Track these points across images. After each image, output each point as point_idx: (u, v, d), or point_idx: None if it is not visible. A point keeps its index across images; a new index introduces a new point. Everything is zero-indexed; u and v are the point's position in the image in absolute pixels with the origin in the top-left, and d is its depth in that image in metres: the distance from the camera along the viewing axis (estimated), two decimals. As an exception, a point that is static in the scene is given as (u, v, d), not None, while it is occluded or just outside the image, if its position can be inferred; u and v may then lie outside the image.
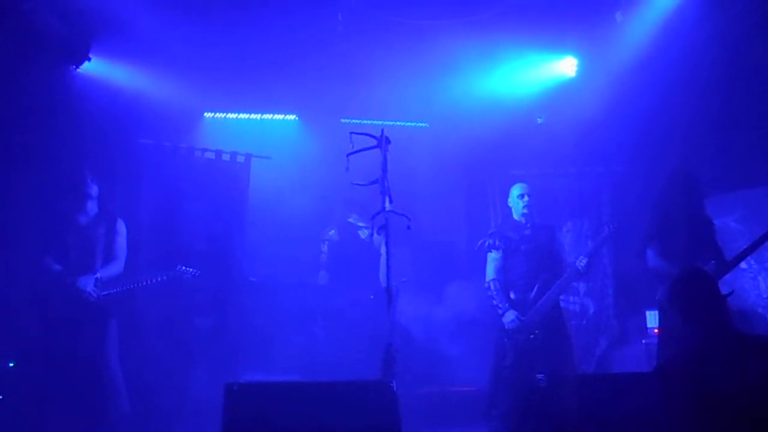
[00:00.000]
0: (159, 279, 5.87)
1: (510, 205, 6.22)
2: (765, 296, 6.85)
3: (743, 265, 6.16)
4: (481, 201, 8.23)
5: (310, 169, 7.81)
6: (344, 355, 6.44)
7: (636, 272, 6.77)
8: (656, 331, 5.90)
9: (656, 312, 5.81)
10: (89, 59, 6.46)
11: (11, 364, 5.44)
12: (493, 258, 6.03)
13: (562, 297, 6.27)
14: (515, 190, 6.17)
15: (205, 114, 8.01)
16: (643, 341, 7.18)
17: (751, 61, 6.55)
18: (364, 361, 5.49)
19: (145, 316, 6.43)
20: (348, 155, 4.85)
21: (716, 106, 6.79)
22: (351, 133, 4.90)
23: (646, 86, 6.99)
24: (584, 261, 5.88)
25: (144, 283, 5.83)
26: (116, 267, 5.81)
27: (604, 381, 4.46)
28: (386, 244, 4.76)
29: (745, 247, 5.35)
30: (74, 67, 6.46)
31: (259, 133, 7.97)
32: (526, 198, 6.09)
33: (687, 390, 3.36)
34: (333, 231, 7.33)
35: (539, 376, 4.22)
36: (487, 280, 5.98)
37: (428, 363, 6.97)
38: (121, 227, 5.90)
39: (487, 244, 6.07)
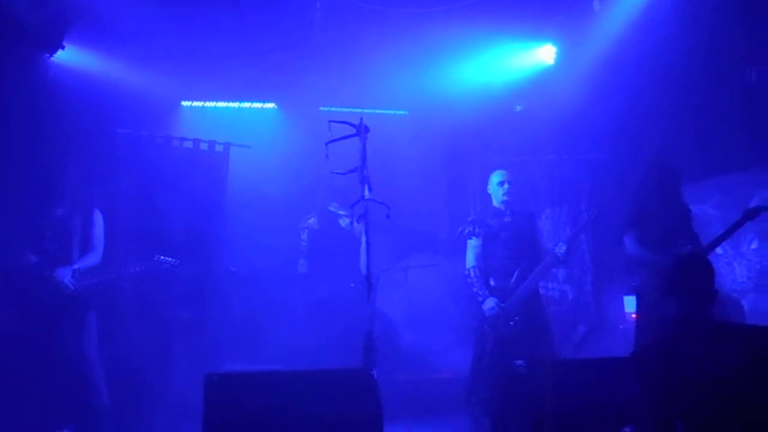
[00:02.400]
0: (137, 269, 5.82)
1: (490, 192, 6.23)
2: (740, 281, 6.96)
3: (719, 250, 6.24)
4: (462, 188, 8.27)
5: (290, 158, 7.79)
6: (325, 344, 6.42)
7: (614, 259, 6.84)
8: (633, 316, 5.97)
9: (634, 297, 5.87)
10: (63, 47, 6.39)
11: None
12: (472, 245, 6.04)
13: (541, 283, 6.30)
14: (495, 177, 6.19)
15: (183, 103, 7.95)
16: (621, 326, 7.26)
17: (728, 49, 6.62)
18: (345, 349, 5.48)
19: (124, 307, 6.39)
20: (327, 144, 4.82)
21: (694, 94, 6.85)
22: (330, 121, 4.86)
23: (624, 74, 7.03)
24: (563, 248, 5.92)
25: (122, 274, 5.78)
26: (93, 258, 5.77)
27: (582, 366, 4.51)
28: (366, 232, 4.76)
29: (720, 232, 5.43)
30: (48, 55, 6.38)
31: (237, 122, 7.93)
32: (506, 185, 6.10)
33: (663, 375, 3.41)
34: (313, 219, 7.32)
35: (519, 362, 4.26)
36: (467, 267, 5.99)
37: (409, 350, 7.00)
38: (98, 218, 5.85)
39: (466, 231, 6.07)
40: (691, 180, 6.38)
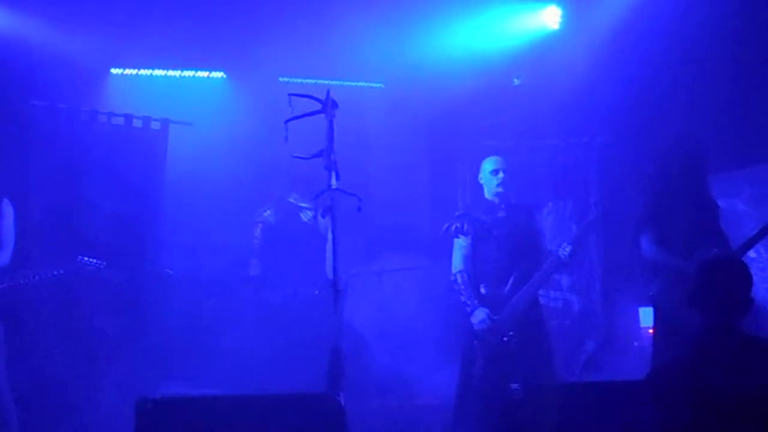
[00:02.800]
0: (55, 273, 5.77)
1: (481, 182, 6.23)
2: (776, 290, 7.04)
3: (752, 254, 6.29)
4: (448, 177, 8.27)
5: (241, 139, 7.76)
6: (281, 363, 6.42)
7: (628, 263, 6.87)
8: (650, 331, 6.00)
9: (651, 309, 5.90)
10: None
11: None
12: (460, 245, 6.05)
13: (541, 292, 6.31)
14: (488, 165, 6.19)
15: (112, 70, 7.89)
16: (636, 343, 7.30)
17: (764, 18, 6.67)
18: (306, 369, 5.48)
19: (39, 318, 6.33)
20: (287, 122, 4.81)
21: (722, 70, 6.90)
22: (290, 95, 4.85)
23: (641, 44, 7.07)
24: (568, 249, 5.93)
25: (37, 278, 5.72)
26: (1, 257, 5.70)
27: (589, 390, 4.52)
28: (333, 228, 4.74)
29: (754, 233, 5.47)
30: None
31: (178, 95, 7.89)
32: (500, 174, 6.10)
33: (684, 401, 3.43)
34: (269, 212, 7.28)
35: (514, 385, 4.25)
36: (454, 271, 5.99)
37: (383, 371, 7.00)
38: (7, 208, 5.78)
39: (453, 228, 6.07)
40: (718, 170, 6.41)
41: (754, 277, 3.72)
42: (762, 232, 5.41)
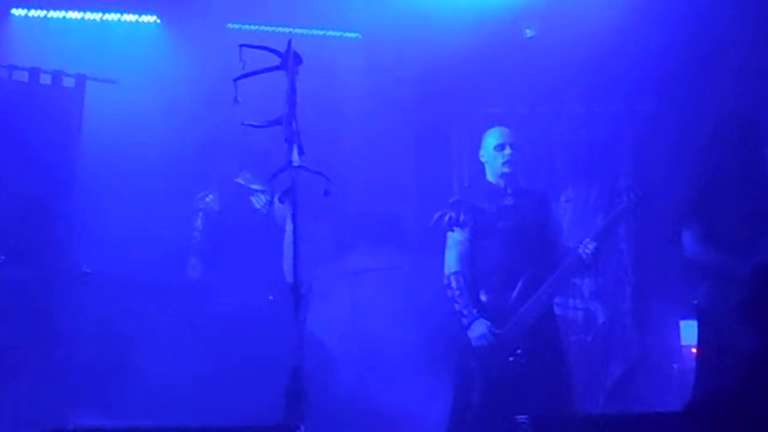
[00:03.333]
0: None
1: (483, 160, 6.25)
2: None
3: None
4: (440, 154, 8.26)
5: (179, 102, 7.71)
6: (228, 387, 6.45)
7: (667, 264, 6.88)
8: (694, 350, 6.02)
9: (695, 322, 5.92)
10: None
11: None
12: (455, 240, 6.06)
13: (557, 300, 6.33)
14: (491, 138, 6.20)
15: (13, 11, 7.83)
16: (675, 365, 7.33)
17: None
18: (258, 394, 5.49)
19: None
20: (237, 80, 4.81)
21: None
22: (242, 46, 4.85)
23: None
24: (591, 246, 5.96)
25: None
26: None
27: (616, 424, 4.53)
28: (293, 217, 4.73)
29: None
30: None
31: (98, 44, 7.85)
32: (507, 150, 6.12)
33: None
34: (211, 196, 7.27)
35: (521, 417, 4.26)
36: (447, 272, 6.02)
37: (355, 397, 7.00)
38: None
39: (446, 218, 6.09)
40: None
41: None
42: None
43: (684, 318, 7.19)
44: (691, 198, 5.77)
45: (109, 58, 7.69)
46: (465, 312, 5.87)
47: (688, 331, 7.01)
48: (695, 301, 5.75)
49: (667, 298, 7.34)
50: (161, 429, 4.77)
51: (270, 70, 4.91)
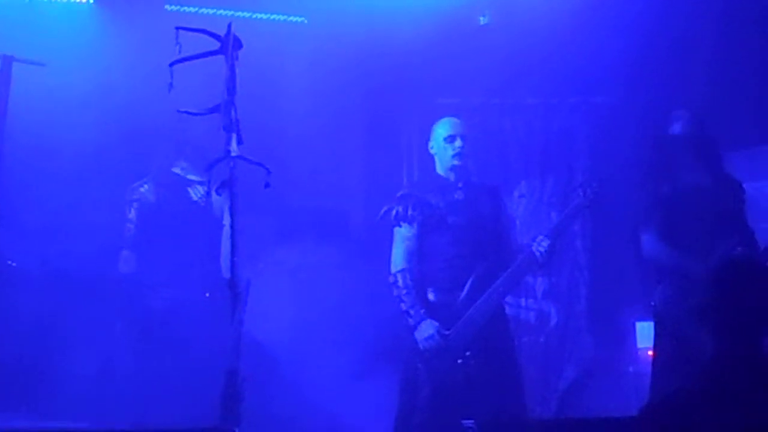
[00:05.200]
0: None
1: (432, 151, 6.25)
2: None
3: (784, 253, 6.41)
4: (388, 143, 8.27)
5: (112, 86, 7.65)
6: (161, 387, 6.39)
7: (623, 264, 6.93)
8: (650, 353, 6.07)
9: (651, 325, 5.96)
10: None
11: None
12: (403, 236, 6.06)
13: (509, 299, 6.35)
14: (441, 129, 6.20)
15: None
16: (630, 368, 7.39)
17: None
18: (192, 396, 5.50)
19: None
20: (172, 64, 4.76)
21: (756, 21, 7.00)
22: (178, 28, 4.79)
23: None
24: (545, 244, 5.96)
25: None
26: None
27: (570, 429, 4.56)
28: (231, 209, 4.69)
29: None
30: None
31: (27, 24, 7.75)
32: (458, 142, 6.12)
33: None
34: (146, 187, 7.20)
35: (468, 422, 4.26)
36: (393, 270, 6.01)
37: (295, 400, 6.98)
38: None
39: (394, 213, 6.09)
40: (742, 146, 6.51)
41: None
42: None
43: (640, 320, 7.25)
44: (648, 196, 5.81)
45: (38, 38, 7.59)
46: (412, 312, 5.86)
47: (644, 334, 7.07)
48: (652, 303, 5.80)
49: (623, 299, 7.41)
50: (91, 431, 4.74)
51: (208, 55, 4.87)
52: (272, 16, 8.21)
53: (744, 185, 5.91)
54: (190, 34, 4.84)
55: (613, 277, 7.61)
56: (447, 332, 5.82)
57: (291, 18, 8.34)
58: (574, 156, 8.05)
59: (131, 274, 7.13)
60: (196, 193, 7.10)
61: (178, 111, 4.86)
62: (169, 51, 4.77)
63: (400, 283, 5.95)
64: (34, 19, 7.85)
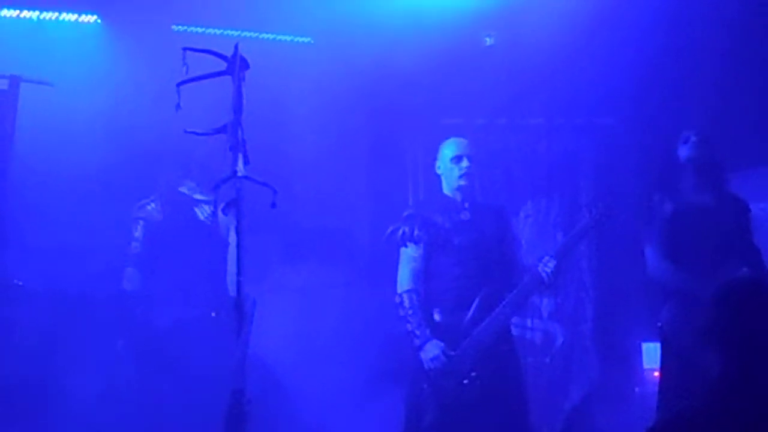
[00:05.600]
0: None
1: (439, 172, 6.25)
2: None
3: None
4: (394, 164, 8.27)
5: (119, 106, 7.66)
6: (165, 408, 6.36)
7: (629, 284, 6.92)
8: (656, 374, 6.06)
9: (658, 345, 5.95)
10: None
11: None
12: (409, 256, 6.06)
13: (514, 320, 6.35)
14: (448, 150, 6.20)
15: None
16: (636, 389, 7.38)
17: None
18: (197, 416, 5.47)
19: None
20: (179, 84, 4.76)
21: (758, 38, 7.01)
22: (185, 49, 4.81)
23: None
24: (551, 264, 5.96)
25: None
26: None
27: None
28: (237, 229, 4.70)
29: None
30: None
31: (34, 44, 7.76)
32: (464, 162, 6.13)
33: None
34: (153, 205, 7.19)
35: (475, 443, 4.26)
36: (399, 290, 6.00)
37: (302, 423, 6.97)
38: None
39: (400, 233, 6.08)
40: (749, 166, 6.50)
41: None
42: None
43: (646, 340, 7.24)
44: (653, 216, 5.82)
45: (46, 59, 7.60)
46: (418, 332, 5.85)
47: (651, 354, 7.06)
48: (658, 324, 5.80)
49: (629, 320, 7.40)
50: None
51: (215, 75, 4.87)
52: (279, 37, 8.23)
53: (750, 205, 5.91)
54: (197, 54, 4.87)
55: (619, 298, 7.61)
56: (453, 353, 5.81)
57: (297, 38, 8.36)
58: (579, 176, 8.06)
59: (136, 292, 7.12)
60: (202, 212, 7.09)
61: (185, 131, 4.87)
62: (177, 71, 4.79)
63: (406, 303, 5.95)
64: (41, 39, 7.87)
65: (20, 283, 7.16)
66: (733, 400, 3.53)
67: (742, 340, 3.59)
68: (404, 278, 6.03)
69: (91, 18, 8.09)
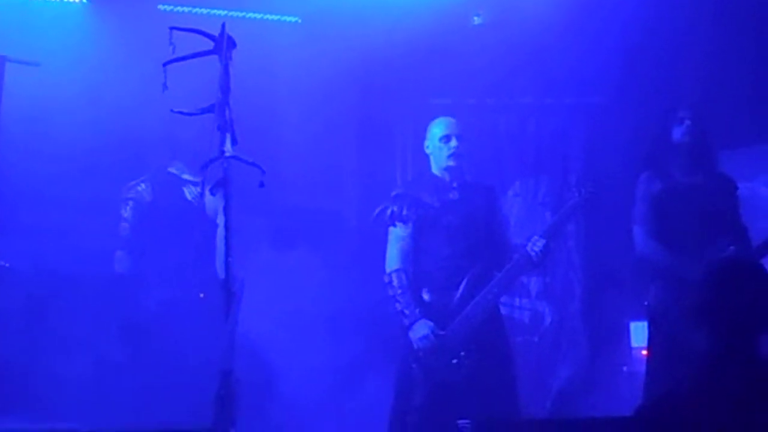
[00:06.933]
0: None
1: (428, 151, 6.25)
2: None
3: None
4: (383, 145, 8.26)
5: (106, 86, 7.62)
6: (154, 390, 6.31)
7: (617, 262, 6.94)
8: (644, 353, 6.08)
9: (645, 324, 5.97)
10: None
11: None
12: (398, 236, 6.07)
13: (503, 299, 6.36)
14: (436, 129, 6.20)
15: None
16: (625, 368, 7.40)
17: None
18: (185, 397, 5.46)
19: None
20: (166, 64, 4.75)
21: (753, 20, 7.01)
22: (172, 28, 4.79)
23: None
24: (540, 244, 5.97)
25: None
26: None
27: (564, 429, 4.56)
28: (225, 209, 4.69)
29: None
30: None
31: (19, 23, 7.71)
32: (453, 142, 6.13)
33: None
34: (143, 186, 7.16)
35: (463, 422, 4.26)
36: (388, 270, 6.01)
37: (289, 402, 6.98)
38: None
39: (389, 212, 6.09)
40: (737, 145, 6.52)
41: (780, 285, 3.75)
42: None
43: (634, 319, 7.25)
44: (642, 196, 5.82)
45: (32, 39, 7.54)
46: (407, 312, 5.87)
47: (638, 334, 7.08)
48: (646, 303, 5.81)
49: (617, 299, 7.41)
50: (84, 432, 4.71)
51: (202, 54, 4.86)
52: (266, 16, 8.19)
53: (737, 184, 5.92)
54: (184, 34, 4.85)
55: (607, 277, 7.61)
56: (442, 332, 5.82)
57: (285, 18, 8.33)
58: (568, 156, 8.06)
59: (125, 273, 7.11)
60: (190, 192, 7.08)
61: (172, 111, 4.85)
62: (163, 51, 4.77)
63: (395, 283, 5.96)
64: (27, 19, 7.82)
65: (7, 265, 7.14)
66: (720, 378, 3.55)
67: (729, 319, 3.60)
68: (393, 258, 6.04)
69: (76, -3, 8.07)
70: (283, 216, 7.82)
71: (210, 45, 4.85)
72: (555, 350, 7.87)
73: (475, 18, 8.08)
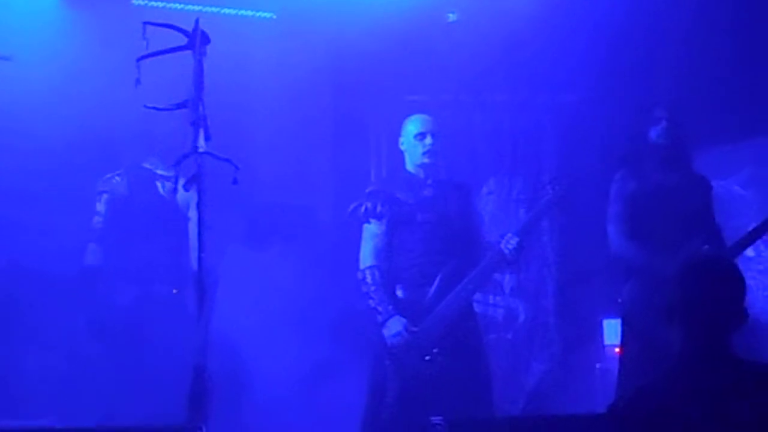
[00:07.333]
0: None
1: (402, 148, 6.26)
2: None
3: (750, 252, 6.43)
4: (357, 140, 8.24)
5: (80, 81, 7.57)
6: (127, 384, 6.30)
7: (591, 261, 6.96)
8: (617, 350, 6.10)
9: (618, 322, 5.99)
10: None
11: None
12: (372, 233, 6.07)
13: (477, 296, 6.36)
14: (411, 126, 6.21)
15: None
16: (598, 365, 7.42)
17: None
18: (158, 393, 5.46)
19: None
20: (139, 59, 4.75)
21: (727, 19, 7.03)
22: (145, 23, 4.81)
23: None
24: (514, 241, 5.99)
25: None
26: None
27: (537, 426, 4.57)
28: (198, 205, 4.68)
29: (755, 225, 5.59)
30: None
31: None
32: (428, 139, 6.13)
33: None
34: (118, 179, 7.13)
35: (436, 419, 4.26)
36: (362, 267, 6.02)
37: (263, 399, 6.97)
38: None
39: (363, 209, 6.09)
40: (711, 144, 6.54)
41: (752, 282, 3.79)
42: (765, 225, 5.52)
43: (607, 317, 7.27)
44: (616, 193, 5.84)
45: (4, 33, 7.51)
46: (380, 308, 5.88)
47: (611, 331, 7.10)
48: (619, 300, 5.83)
49: (591, 297, 7.44)
50: (56, 430, 4.69)
51: (175, 50, 4.86)
52: (240, 12, 8.16)
53: (712, 183, 5.95)
54: (158, 29, 4.85)
55: (580, 275, 7.63)
56: (415, 329, 5.83)
57: (259, 13, 8.30)
58: (543, 153, 8.07)
59: (97, 268, 7.07)
60: (164, 187, 7.05)
61: (145, 106, 4.84)
62: (137, 46, 4.77)
63: (369, 279, 5.96)
64: (-1, 12, 7.80)
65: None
66: (693, 376, 3.56)
67: (702, 317, 3.61)
68: (367, 254, 6.04)
69: (50, -9, 8.02)
70: (257, 212, 7.80)
71: (184, 40, 4.85)
72: (528, 347, 7.88)
73: (450, 15, 8.06)
